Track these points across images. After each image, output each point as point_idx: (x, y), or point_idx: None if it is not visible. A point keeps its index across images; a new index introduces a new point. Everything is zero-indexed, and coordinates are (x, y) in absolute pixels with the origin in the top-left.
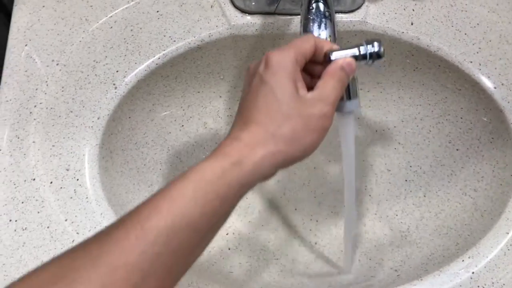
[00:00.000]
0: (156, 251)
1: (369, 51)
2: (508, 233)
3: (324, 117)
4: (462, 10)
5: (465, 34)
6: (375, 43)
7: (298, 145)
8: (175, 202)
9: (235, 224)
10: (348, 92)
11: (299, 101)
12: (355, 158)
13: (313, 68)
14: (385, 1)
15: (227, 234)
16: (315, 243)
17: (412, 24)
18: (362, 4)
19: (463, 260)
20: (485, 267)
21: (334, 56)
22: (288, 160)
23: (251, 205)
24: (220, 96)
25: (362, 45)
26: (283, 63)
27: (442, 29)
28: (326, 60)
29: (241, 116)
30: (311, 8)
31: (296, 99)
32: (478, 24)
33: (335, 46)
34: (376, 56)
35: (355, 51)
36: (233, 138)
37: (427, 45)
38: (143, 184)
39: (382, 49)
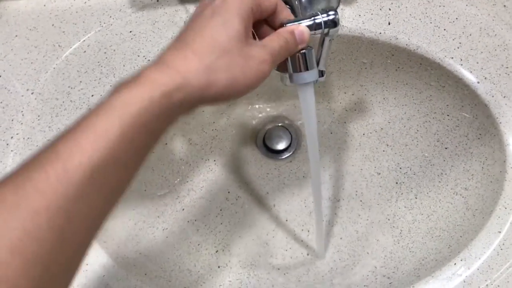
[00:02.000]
0: (81, 192)
1: (323, 19)
2: (500, 231)
3: (263, 63)
4: (440, 6)
5: (444, 29)
6: (330, 12)
7: (231, 83)
8: (100, 138)
9: (224, 240)
10: (305, 63)
11: (244, 42)
12: (317, 130)
13: (265, 31)
14: (360, 2)
15: (216, 252)
16: (307, 254)
17: (389, 24)
18: (337, 7)
19: (455, 264)
20: (478, 269)
21: (288, 24)
22: (218, 96)
23: (240, 219)
24: (203, 111)
25: (317, 15)
26: (241, 5)
27: (421, 26)
28: (279, 27)
29: (180, 41)
30: None
31: (241, 39)
32: (457, 18)
33: (292, 17)
34: (331, 24)
35: (309, 22)
36: (164, 63)
37: (406, 44)
38: (127, 207)
39: (337, 17)
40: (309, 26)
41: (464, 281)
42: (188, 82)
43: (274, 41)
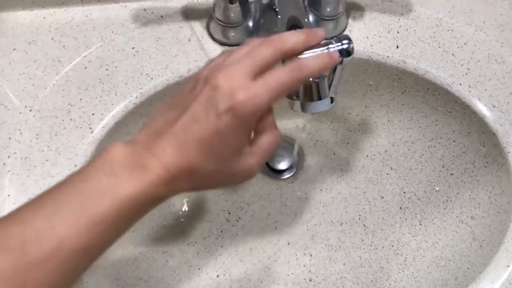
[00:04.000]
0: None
1: (338, 48)
2: (508, 265)
3: (250, 173)
4: (448, 30)
5: (453, 54)
6: (344, 41)
7: (216, 185)
8: (96, 226)
9: (225, 264)
10: (318, 92)
11: (237, 157)
12: None
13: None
14: (368, 24)
15: (217, 276)
16: (310, 280)
17: (397, 47)
18: (344, 29)
19: None
20: None
21: (303, 55)
22: (200, 191)
23: (241, 242)
24: None
25: (331, 43)
26: (256, 112)
27: (429, 50)
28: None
29: (183, 129)
30: None
31: (236, 156)
32: (465, 43)
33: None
34: (345, 53)
35: (323, 50)
36: (155, 153)
37: (414, 68)
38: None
39: (351, 46)
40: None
41: None
42: (176, 184)
43: (266, 141)
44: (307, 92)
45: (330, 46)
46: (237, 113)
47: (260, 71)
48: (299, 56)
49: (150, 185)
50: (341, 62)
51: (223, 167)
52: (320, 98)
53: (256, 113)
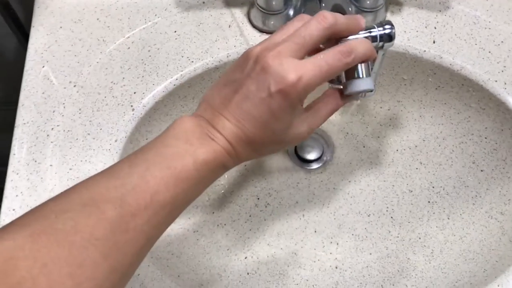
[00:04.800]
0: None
1: (379, 33)
2: None
3: (302, 137)
4: (485, 28)
5: (489, 52)
6: (387, 26)
7: (273, 151)
8: (180, 183)
9: (253, 247)
10: (361, 70)
11: (289, 128)
12: None
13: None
14: (406, 18)
15: (245, 258)
16: (336, 267)
17: (434, 42)
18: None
19: None
20: None
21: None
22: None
23: (269, 227)
24: None
25: (373, 27)
26: (306, 93)
27: (465, 47)
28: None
29: (238, 106)
30: None
31: (289, 128)
32: (502, 42)
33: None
34: (387, 38)
35: (365, 34)
36: (218, 128)
37: (450, 64)
38: None
39: (393, 31)
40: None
41: None
42: (239, 153)
43: (322, 111)
44: (350, 71)
45: (373, 30)
46: (288, 94)
47: (309, 50)
48: (346, 39)
49: (219, 154)
50: (382, 47)
51: (277, 137)
52: (362, 76)
53: (306, 94)
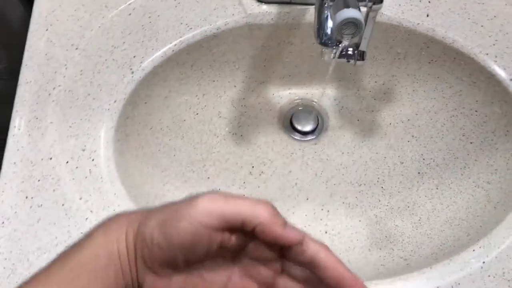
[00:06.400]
0: None
1: None
2: None
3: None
4: (478, 3)
5: (482, 26)
6: None
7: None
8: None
9: None
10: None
11: None
12: None
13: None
14: None
15: None
16: (325, 232)
17: (427, 15)
18: None
19: (474, 250)
20: (496, 257)
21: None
22: None
23: (262, 193)
24: (235, 86)
25: None
26: None
27: (458, 21)
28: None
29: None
30: None
31: None
32: (495, 16)
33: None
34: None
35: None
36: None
37: (443, 37)
38: (157, 168)
39: None
40: None
41: (482, 267)
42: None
43: None
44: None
45: None
46: None
47: None
48: None
49: None
50: (370, 8)
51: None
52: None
53: None
